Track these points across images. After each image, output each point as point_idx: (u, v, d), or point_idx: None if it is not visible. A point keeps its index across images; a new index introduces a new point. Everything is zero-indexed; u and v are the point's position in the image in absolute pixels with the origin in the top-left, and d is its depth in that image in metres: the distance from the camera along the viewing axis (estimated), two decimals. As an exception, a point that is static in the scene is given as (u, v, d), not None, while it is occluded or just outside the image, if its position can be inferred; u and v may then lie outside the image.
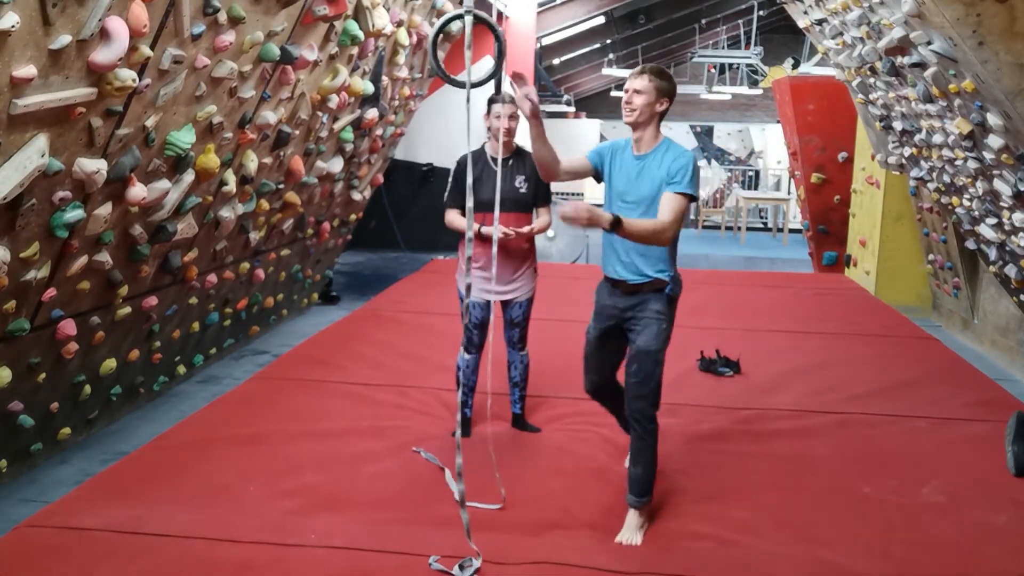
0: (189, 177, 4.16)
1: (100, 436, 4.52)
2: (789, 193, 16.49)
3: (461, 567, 2.92)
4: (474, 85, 3.09)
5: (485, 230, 3.91)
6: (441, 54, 3.06)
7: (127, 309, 4.33)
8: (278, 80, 4.60)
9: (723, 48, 18.19)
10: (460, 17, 2.93)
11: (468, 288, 3.15)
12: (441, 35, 3.03)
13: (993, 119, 3.95)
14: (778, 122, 13.19)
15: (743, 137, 23.26)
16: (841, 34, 5.33)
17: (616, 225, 2.99)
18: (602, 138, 22.35)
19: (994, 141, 4.10)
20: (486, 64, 2.93)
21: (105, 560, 2.96)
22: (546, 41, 14.35)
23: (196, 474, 3.71)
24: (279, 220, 5.89)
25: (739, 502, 3.59)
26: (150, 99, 3.57)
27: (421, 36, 6.30)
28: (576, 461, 3.95)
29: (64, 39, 2.87)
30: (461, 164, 3.99)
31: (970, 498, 3.70)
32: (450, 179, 4.14)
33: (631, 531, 3.25)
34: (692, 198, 3.16)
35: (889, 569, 3.10)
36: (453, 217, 4.12)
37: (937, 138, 4.94)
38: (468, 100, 2.79)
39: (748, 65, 17.15)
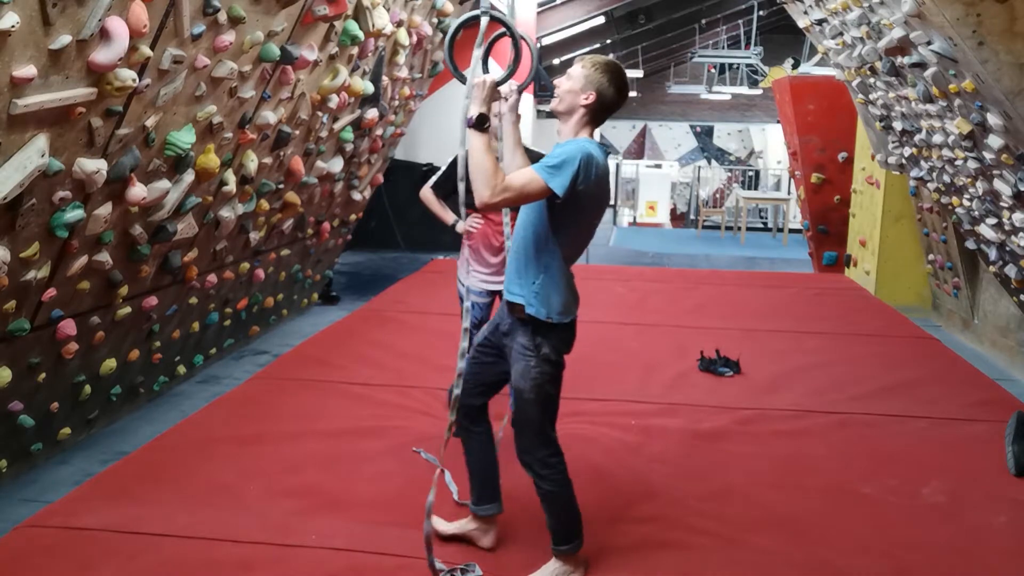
0: (189, 177, 4.16)
1: (100, 436, 4.51)
2: (789, 193, 16.49)
3: (465, 568, 2.92)
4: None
5: (460, 226, 4.01)
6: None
7: (127, 309, 4.33)
8: (278, 80, 4.60)
9: (723, 48, 18.20)
10: (478, 18, 2.89)
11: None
12: (460, 35, 2.97)
13: (993, 119, 3.95)
14: (778, 122, 13.19)
15: (743, 137, 23.28)
16: (841, 34, 5.33)
17: (478, 123, 2.65)
18: (601, 137, 22.40)
19: (994, 141, 4.10)
20: (495, 69, 2.91)
21: (105, 560, 2.96)
22: (546, 41, 14.35)
23: (196, 474, 3.71)
24: (279, 220, 5.89)
25: (739, 502, 3.59)
26: (150, 99, 3.57)
27: (421, 36, 6.30)
28: (574, 462, 3.91)
29: (64, 39, 2.87)
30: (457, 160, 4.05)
31: (970, 498, 3.70)
32: (444, 168, 4.17)
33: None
34: (551, 188, 2.65)
35: (889, 569, 3.10)
36: (429, 196, 4.21)
37: (937, 138, 4.94)
38: (467, 96, 2.76)
39: (748, 65, 17.16)
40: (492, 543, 3.11)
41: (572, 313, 2.88)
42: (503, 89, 2.92)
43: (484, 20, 2.86)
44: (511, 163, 2.92)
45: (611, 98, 2.81)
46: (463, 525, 3.15)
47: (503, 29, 2.94)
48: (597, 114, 2.82)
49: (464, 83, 2.77)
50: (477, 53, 2.81)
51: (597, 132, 3.00)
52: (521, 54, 2.95)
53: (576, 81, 2.80)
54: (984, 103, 3.96)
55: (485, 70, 2.86)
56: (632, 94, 21.62)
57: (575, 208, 2.76)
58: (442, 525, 3.15)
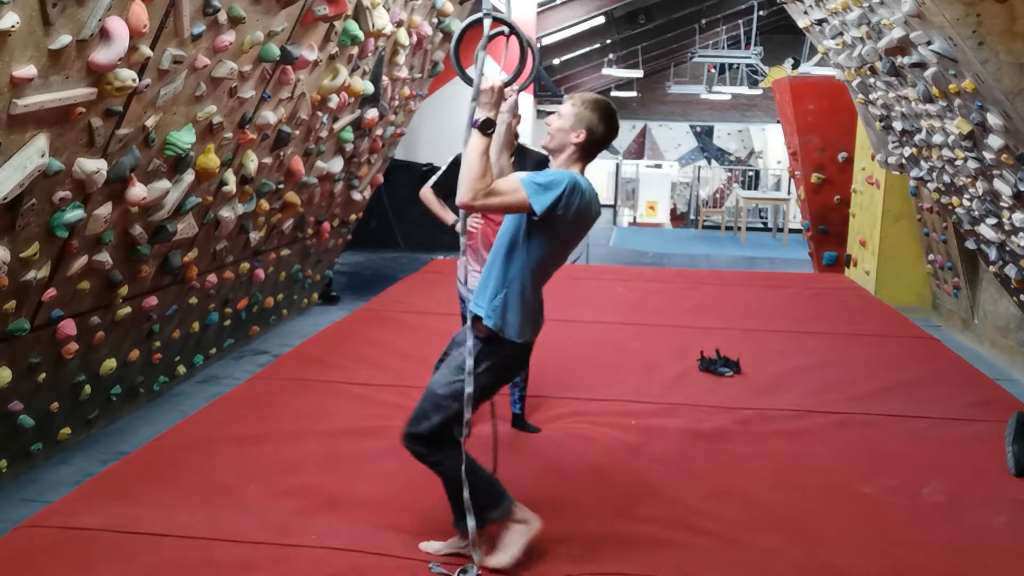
0: (189, 177, 4.16)
1: (100, 436, 4.51)
2: (789, 193, 16.49)
3: (463, 571, 2.92)
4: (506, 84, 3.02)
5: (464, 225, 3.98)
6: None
7: (127, 309, 4.33)
8: (278, 80, 4.60)
9: (723, 48, 18.20)
10: (481, 20, 2.89)
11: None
12: (463, 37, 3.00)
13: (993, 119, 3.95)
14: (778, 122, 13.20)
15: (743, 137, 23.28)
16: (841, 34, 5.33)
17: (484, 126, 2.69)
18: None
19: (994, 141, 4.10)
20: (492, 68, 2.90)
21: (105, 560, 2.95)
22: (546, 41, 14.35)
23: (196, 474, 3.71)
24: (279, 220, 5.89)
25: (739, 502, 3.59)
26: (150, 99, 3.57)
27: (421, 36, 6.30)
28: (576, 461, 3.95)
29: (64, 39, 2.87)
30: (458, 160, 4.04)
31: (970, 498, 3.70)
32: (444, 167, 4.17)
33: (499, 554, 2.93)
34: (531, 204, 2.70)
35: (889, 569, 3.10)
36: (429, 196, 4.19)
37: (937, 138, 4.94)
38: (474, 99, 2.78)
39: (748, 65, 17.16)
40: (485, 554, 3.07)
41: (527, 336, 2.91)
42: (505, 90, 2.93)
43: (487, 22, 2.87)
44: (495, 163, 2.95)
45: (601, 134, 2.88)
46: (454, 544, 3.06)
47: (500, 28, 2.94)
48: (588, 150, 2.89)
49: (469, 84, 2.79)
50: (482, 56, 2.81)
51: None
52: (527, 56, 2.95)
53: (567, 119, 2.87)
54: (984, 103, 3.96)
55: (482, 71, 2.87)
56: (632, 94, 21.70)
57: (552, 231, 2.81)
58: (434, 545, 3.09)
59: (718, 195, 20.63)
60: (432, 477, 3.72)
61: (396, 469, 3.82)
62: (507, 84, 2.87)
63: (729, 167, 21.86)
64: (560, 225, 2.79)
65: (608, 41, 15.89)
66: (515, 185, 2.73)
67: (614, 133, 2.92)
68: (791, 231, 14.87)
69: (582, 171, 2.91)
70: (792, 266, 10.99)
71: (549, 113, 20.77)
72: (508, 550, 2.93)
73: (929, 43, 3.96)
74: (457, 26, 6.65)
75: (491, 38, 2.91)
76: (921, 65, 4.27)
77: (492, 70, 2.93)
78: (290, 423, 4.36)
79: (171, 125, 3.86)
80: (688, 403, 4.83)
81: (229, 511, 3.36)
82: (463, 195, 2.69)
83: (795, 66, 12.70)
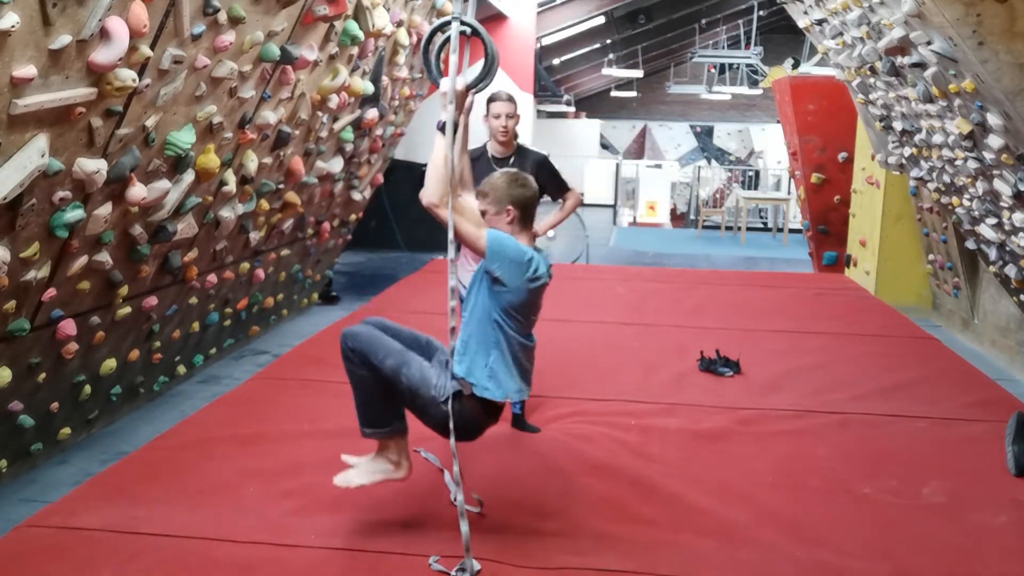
0: (189, 177, 4.16)
1: (100, 436, 4.52)
2: (789, 193, 16.49)
3: (461, 568, 2.92)
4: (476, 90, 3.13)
5: None
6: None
7: (127, 309, 4.33)
8: (278, 80, 4.60)
9: (723, 48, 18.22)
10: (448, 24, 2.95)
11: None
12: (433, 40, 3.07)
13: (993, 119, 3.95)
14: (778, 122, 13.20)
15: (743, 137, 23.31)
16: (841, 34, 5.33)
17: (443, 128, 2.90)
18: (602, 138, 22.41)
19: (994, 141, 4.10)
20: (475, 68, 2.96)
21: (105, 560, 2.96)
22: (546, 41, 14.37)
23: (196, 474, 3.71)
24: (279, 220, 5.89)
25: (739, 502, 3.59)
26: (150, 99, 3.57)
27: (421, 36, 6.30)
28: (576, 461, 3.95)
29: (64, 39, 2.87)
30: None
31: (970, 498, 3.70)
32: None
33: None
34: (486, 254, 2.91)
35: (889, 569, 3.09)
36: None
37: (937, 138, 4.94)
38: (451, 102, 2.89)
39: (748, 65, 17.18)
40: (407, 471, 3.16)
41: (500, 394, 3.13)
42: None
43: (455, 26, 2.91)
44: (456, 163, 3.08)
45: (526, 198, 3.06)
46: (370, 467, 3.16)
47: (463, 30, 2.99)
48: (523, 219, 3.07)
49: (435, 84, 2.88)
50: (455, 59, 2.87)
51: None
52: (492, 60, 3.02)
53: (491, 208, 3.05)
54: (984, 103, 3.96)
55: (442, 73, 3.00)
56: (632, 94, 21.71)
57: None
58: (353, 459, 3.21)
59: (718, 195, 20.64)
60: (432, 477, 3.74)
61: (396, 469, 3.82)
62: (470, 87, 2.96)
63: (729, 167, 21.88)
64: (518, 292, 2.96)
65: (608, 41, 15.92)
66: (480, 230, 2.91)
67: (532, 189, 3.09)
68: (791, 231, 14.87)
69: (530, 238, 3.10)
70: (792, 266, 11.00)
71: (550, 113, 20.79)
72: (357, 476, 3.12)
73: (929, 43, 3.96)
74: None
75: (444, 41, 2.97)
76: (921, 65, 4.27)
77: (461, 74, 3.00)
78: (290, 423, 4.36)
79: (171, 125, 3.87)
80: (688, 403, 4.82)
81: (229, 511, 3.37)
82: (430, 196, 2.86)
83: (795, 66, 12.70)
